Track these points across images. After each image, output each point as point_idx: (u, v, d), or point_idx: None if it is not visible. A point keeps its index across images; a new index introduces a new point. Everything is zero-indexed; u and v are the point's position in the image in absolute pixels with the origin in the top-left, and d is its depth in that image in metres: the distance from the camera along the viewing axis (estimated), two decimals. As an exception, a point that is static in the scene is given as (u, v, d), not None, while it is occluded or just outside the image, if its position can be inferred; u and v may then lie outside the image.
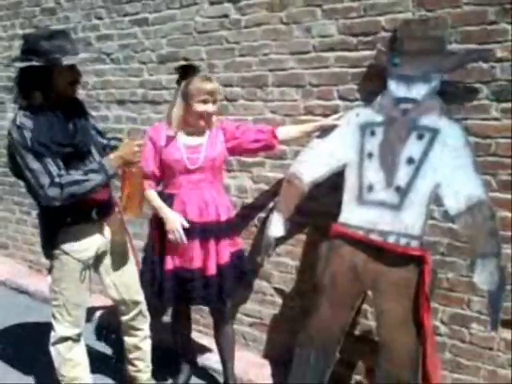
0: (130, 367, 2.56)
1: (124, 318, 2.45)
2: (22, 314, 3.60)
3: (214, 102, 2.31)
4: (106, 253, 2.30)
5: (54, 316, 2.23)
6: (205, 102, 2.27)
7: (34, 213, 4.13)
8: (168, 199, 2.34)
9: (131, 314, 2.43)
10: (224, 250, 2.34)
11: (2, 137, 4.30)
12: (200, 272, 2.32)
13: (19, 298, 3.96)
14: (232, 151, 2.45)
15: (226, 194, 2.51)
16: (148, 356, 2.55)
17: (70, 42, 2.00)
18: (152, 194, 2.35)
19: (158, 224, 2.37)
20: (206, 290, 2.33)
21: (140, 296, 2.44)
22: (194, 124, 2.33)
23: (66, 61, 1.93)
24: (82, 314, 2.27)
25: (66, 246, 2.13)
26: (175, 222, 2.27)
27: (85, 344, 2.36)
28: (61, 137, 1.98)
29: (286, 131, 2.46)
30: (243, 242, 2.64)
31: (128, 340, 2.50)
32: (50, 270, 2.23)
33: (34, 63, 1.90)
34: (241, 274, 2.46)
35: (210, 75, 2.35)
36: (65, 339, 2.24)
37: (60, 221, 2.10)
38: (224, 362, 2.61)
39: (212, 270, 2.31)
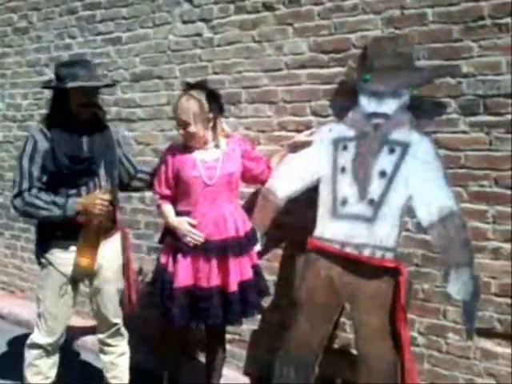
0: None
1: (100, 336, 2.45)
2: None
3: (184, 125, 2.24)
4: (96, 273, 2.30)
5: (36, 322, 2.33)
6: (177, 124, 2.29)
7: (7, 233, 4.07)
8: (184, 216, 2.29)
9: (108, 333, 2.43)
10: (246, 266, 2.30)
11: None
12: (219, 290, 2.25)
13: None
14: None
15: (241, 208, 2.46)
16: (125, 375, 2.51)
17: (85, 70, 2.20)
18: (167, 207, 2.34)
19: (169, 244, 2.35)
20: (228, 307, 2.25)
21: (118, 319, 2.43)
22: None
23: (69, 85, 2.14)
24: (58, 327, 2.30)
25: (53, 258, 2.23)
26: (182, 224, 2.25)
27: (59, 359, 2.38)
28: (68, 149, 2.17)
29: (273, 162, 2.49)
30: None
31: (104, 358, 2.48)
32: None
33: (47, 86, 2.33)
34: (262, 290, 2.42)
35: (188, 94, 2.26)
36: (37, 346, 2.30)
37: (52, 233, 2.21)
38: (210, 378, 2.55)
39: (233, 286, 2.24)
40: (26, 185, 2.12)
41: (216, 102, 2.30)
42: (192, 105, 2.23)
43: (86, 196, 2.19)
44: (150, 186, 2.49)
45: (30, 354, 2.32)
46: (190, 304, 2.26)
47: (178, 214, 2.33)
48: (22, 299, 3.96)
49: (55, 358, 2.37)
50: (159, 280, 2.35)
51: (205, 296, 2.24)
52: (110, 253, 2.32)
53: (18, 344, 2.42)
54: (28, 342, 2.33)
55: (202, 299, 2.25)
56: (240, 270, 2.28)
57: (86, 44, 3.41)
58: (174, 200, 2.37)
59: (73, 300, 2.31)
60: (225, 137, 2.37)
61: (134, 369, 2.56)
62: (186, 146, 2.33)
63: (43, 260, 2.26)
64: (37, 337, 2.30)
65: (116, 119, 3.31)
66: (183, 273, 2.26)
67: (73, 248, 2.22)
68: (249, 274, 2.30)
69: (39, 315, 2.30)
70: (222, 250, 2.25)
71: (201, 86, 2.31)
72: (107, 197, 2.17)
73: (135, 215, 3.28)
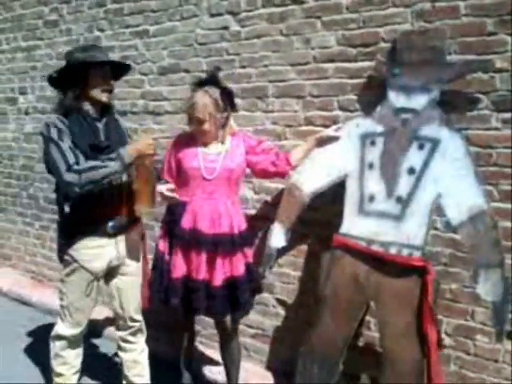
0: None
1: (121, 334, 2.45)
2: (24, 326, 3.59)
3: (199, 122, 2.25)
4: (118, 268, 2.32)
5: (59, 314, 2.34)
6: (189, 119, 2.30)
7: (37, 224, 4.15)
8: (181, 206, 2.32)
9: (129, 330, 2.43)
10: (237, 263, 2.30)
11: (5, 148, 4.33)
12: (205, 283, 2.28)
13: (22, 309, 3.95)
14: (247, 165, 2.41)
15: (240, 206, 2.46)
16: (147, 372, 2.52)
17: (101, 52, 2.24)
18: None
19: (166, 231, 2.39)
20: (211, 301, 2.29)
21: (139, 315, 2.45)
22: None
23: (99, 59, 2.16)
24: (82, 319, 2.33)
25: (78, 255, 2.21)
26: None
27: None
28: (87, 136, 2.13)
29: (295, 156, 2.43)
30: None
31: (125, 356, 2.48)
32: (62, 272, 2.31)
33: (69, 64, 2.15)
34: (255, 288, 2.42)
35: (203, 90, 2.25)
36: (62, 337, 2.33)
37: (76, 229, 2.19)
38: (229, 374, 2.58)
39: (217, 281, 2.26)
40: (72, 159, 2.04)
41: (229, 100, 2.31)
42: (208, 104, 2.23)
43: (132, 142, 2.21)
44: None
45: (55, 345, 2.35)
46: (184, 293, 2.30)
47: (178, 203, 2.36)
48: (50, 288, 4.04)
49: (80, 348, 2.40)
50: (158, 268, 2.40)
51: (193, 288, 2.28)
52: (131, 249, 2.33)
53: (47, 332, 2.43)
54: (52, 333, 2.36)
55: (191, 291, 2.28)
56: (230, 267, 2.29)
57: (115, 37, 3.43)
58: (176, 186, 2.40)
59: (97, 294, 2.32)
60: (230, 133, 2.37)
61: (152, 359, 2.58)
62: (192, 136, 2.35)
63: (67, 257, 2.24)
64: (61, 328, 2.32)
65: (143, 112, 3.33)
66: (178, 263, 2.30)
67: (99, 242, 2.21)
68: (239, 271, 2.30)
69: (63, 307, 2.31)
70: (213, 245, 2.26)
71: (214, 82, 2.30)
72: (151, 136, 2.19)
73: (161, 208, 3.28)
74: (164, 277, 2.35)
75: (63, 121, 2.12)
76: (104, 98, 2.19)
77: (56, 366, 2.37)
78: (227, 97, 2.29)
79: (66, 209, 2.19)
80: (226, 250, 2.28)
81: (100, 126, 2.21)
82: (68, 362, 2.37)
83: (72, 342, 2.34)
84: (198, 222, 2.28)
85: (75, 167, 2.03)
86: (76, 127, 2.11)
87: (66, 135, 2.08)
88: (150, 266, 2.47)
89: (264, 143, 2.45)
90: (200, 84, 2.30)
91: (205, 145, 2.34)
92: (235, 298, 2.31)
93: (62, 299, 2.31)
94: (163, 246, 2.40)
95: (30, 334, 3.48)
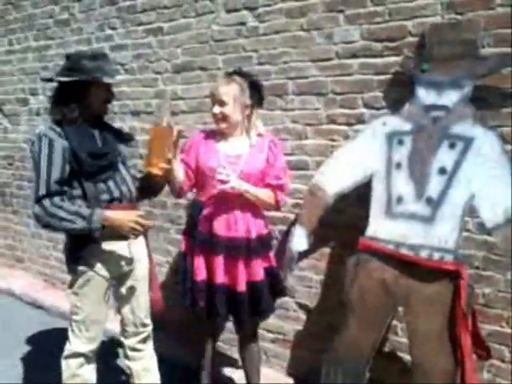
0: None
1: (129, 342, 2.34)
2: (36, 329, 3.55)
3: (221, 103, 2.20)
4: (130, 272, 2.24)
5: (72, 330, 2.21)
6: (213, 103, 2.24)
7: (49, 227, 4.09)
8: (199, 207, 2.28)
9: (138, 337, 2.33)
10: (256, 268, 2.24)
11: (16, 149, 4.28)
12: (225, 288, 2.24)
13: (34, 312, 3.91)
14: None
15: (261, 209, 2.34)
16: (157, 378, 2.41)
17: (108, 64, 2.16)
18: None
19: (187, 234, 2.35)
20: (233, 306, 2.25)
21: (149, 319, 2.37)
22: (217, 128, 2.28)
23: (106, 79, 2.10)
24: (99, 331, 2.23)
25: (94, 263, 2.11)
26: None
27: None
28: (85, 144, 2.06)
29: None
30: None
31: (135, 365, 2.36)
32: (71, 285, 2.18)
33: (77, 79, 2.04)
34: (276, 292, 2.36)
35: (230, 77, 2.24)
36: (78, 355, 2.21)
37: (87, 237, 2.05)
38: (248, 379, 2.52)
39: (241, 286, 2.21)
40: (44, 190, 1.97)
41: (257, 92, 2.26)
42: (233, 86, 2.21)
43: (118, 214, 2.05)
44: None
45: (69, 365, 2.21)
46: (208, 298, 2.27)
47: (197, 203, 2.33)
48: (63, 291, 3.98)
49: (94, 362, 2.28)
50: (181, 271, 2.37)
51: (214, 292, 2.24)
52: (141, 251, 2.26)
53: (60, 336, 2.35)
54: (66, 353, 2.22)
55: (213, 295, 2.24)
56: (249, 271, 2.23)
57: (127, 35, 3.36)
58: (195, 187, 2.36)
59: (109, 302, 2.23)
60: (257, 134, 2.29)
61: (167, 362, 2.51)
62: (214, 134, 2.30)
63: (82, 267, 2.11)
64: (77, 346, 2.19)
65: (157, 112, 3.25)
66: (200, 266, 2.26)
67: (113, 247, 2.13)
68: (259, 275, 2.24)
69: (77, 322, 2.17)
70: (231, 249, 2.21)
71: (244, 74, 2.27)
72: (139, 213, 2.09)
73: (177, 210, 3.22)
74: (187, 279, 2.31)
75: (58, 131, 2.04)
76: (105, 109, 2.18)
77: None
78: (256, 89, 2.25)
79: None
80: (242, 254, 2.22)
81: (95, 133, 2.15)
82: (86, 380, 2.24)
83: (88, 358, 2.22)
84: (214, 225, 2.23)
85: (44, 203, 1.96)
86: (73, 135, 2.04)
87: (55, 153, 1.99)
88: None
89: (281, 160, 2.29)
90: (230, 74, 2.28)
91: (225, 138, 2.27)
92: (256, 302, 2.25)
93: (76, 314, 2.17)
94: (185, 248, 2.36)
95: (42, 337, 3.44)
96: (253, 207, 2.27)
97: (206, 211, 2.25)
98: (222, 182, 2.12)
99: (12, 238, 4.54)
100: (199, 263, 2.27)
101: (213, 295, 2.25)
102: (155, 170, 2.08)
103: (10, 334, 3.45)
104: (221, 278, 2.23)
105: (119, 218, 2.03)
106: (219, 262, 2.22)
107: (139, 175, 2.40)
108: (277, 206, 2.32)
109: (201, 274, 2.26)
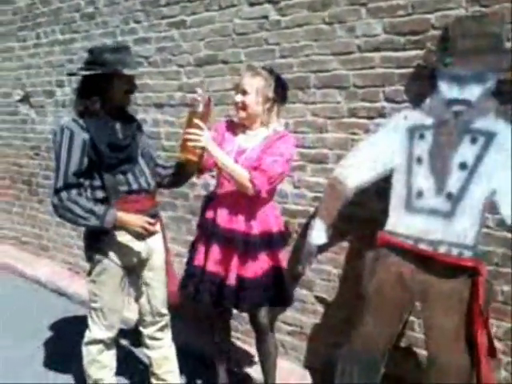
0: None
1: (147, 331, 2.40)
2: (59, 316, 3.64)
3: (244, 93, 2.23)
4: (146, 261, 2.29)
5: (91, 317, 2.28)
6: (236, 92, 2.28)
7: (74, 216, 4.17)
8: (212, 198, 2.35)
9: (156, 326, 2.39)
10: (251, 264, 2.23)
11: (43, 140, 4.37)
12: (213, 277, 2.25)
13: (58, 300, 4.01)
14: None
15: (272, 206, 2.35)
16: (176, 367, 2.48)
17: (130, 56, 2.19)
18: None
19: (200, 226, 2.39)
20: (221, 298, 2.26)
21: (166, 309, 2.41)
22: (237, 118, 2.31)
23: (127, 71, 2.13)
24: (117, 319, 2.29)
25: (110, 252, 2.16)
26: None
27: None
28: (106, 136, 2.10)
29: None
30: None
31: (154, 354, 2.43)
32: (89, 273, 2.24)
33: (99, 72, 2.08)
34: (278, 299, 2.34)
35: (254, 68, 2.29)
36: (98, 341, 2.28)
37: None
38: (265, 371, 2.53)
39: (231, 280, 2.23)
40: (61, 182, 2.03)
41: (281, 89, 2.29)
42: (258, 79, 2.24)
43: (130, 217, 2.10)
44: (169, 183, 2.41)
45: (90, 351, 2.29)
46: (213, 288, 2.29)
47: (210, 195, 2.42)
48: (86, 280, 4.07)
49: (114, 348, 2.36)
50: (189, 260, 2.42)
51: (206, 279, 2.28)
52: (157, 242, 2.30)
53: (82, 323, 2.41)
54: (86, 339, 2.30)
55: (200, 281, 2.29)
56: (242, 266, 2.23)
57: (151, 28, 3.39)
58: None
59: (126, 291, 2.29)
60: (274, 130, 2.29)
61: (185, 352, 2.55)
62: (236, 125, 2.35)
63: (99, 256, 2.17)
64: (96, 333, 2.26)
65: (180, 105, 3.29)
66: (197, 252, 2.34)
67: (127, 238, 2.16)
68: (252, 272, 2.23)
69: (96, 310, 2.24)
70: (228, 241, 2.23)
71: (271, 70, 2.30)
72: (149, 220, 2.13)
73: (198, 202, 3.25)
74: (191, 266, 2.37)
75: (80, 123, 2.08)
76: (127, 100, 2.21)
77: (94, 371, 2.30)
78: (280, 85, 2.29)
79: None
80: (238, 248, 2.22)
81: (117, 125, 2.17)
82: (106, 365, 2.32)
83: (108, 345, 2.30)
84: (217, 213, 2.27)
85: (62, 196, 2.03)
86: (94, 127, 2.08)
87: (75, 145, 2.04)
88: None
89: (269, 155, 2.21)
90: (255, 68, 2.32)
91: (244, 131, 2.31)
92: (243, 297, 2.24)
93: (95, 301, 2.24)
94: (196, 238, 2.43)
95: (65, 324, 3.53)
96: (263, 203, 2.27)
97: (214, 200, 2.31)
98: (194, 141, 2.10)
99: (38, 227, 4.65)
100: (199, 249, 2.33)
101: (201, 282, 2.28)
102: (190, 156, 2.11)
103: (34, 320, 3.54)
104: (212, 266, 2.26)
105: (130, 220, 2.09)
106: (215, 251, 2.26)
107: (170, 163, 2.42)
108: (254, 190, 2.14)
109: (198, 260, 2.32)
